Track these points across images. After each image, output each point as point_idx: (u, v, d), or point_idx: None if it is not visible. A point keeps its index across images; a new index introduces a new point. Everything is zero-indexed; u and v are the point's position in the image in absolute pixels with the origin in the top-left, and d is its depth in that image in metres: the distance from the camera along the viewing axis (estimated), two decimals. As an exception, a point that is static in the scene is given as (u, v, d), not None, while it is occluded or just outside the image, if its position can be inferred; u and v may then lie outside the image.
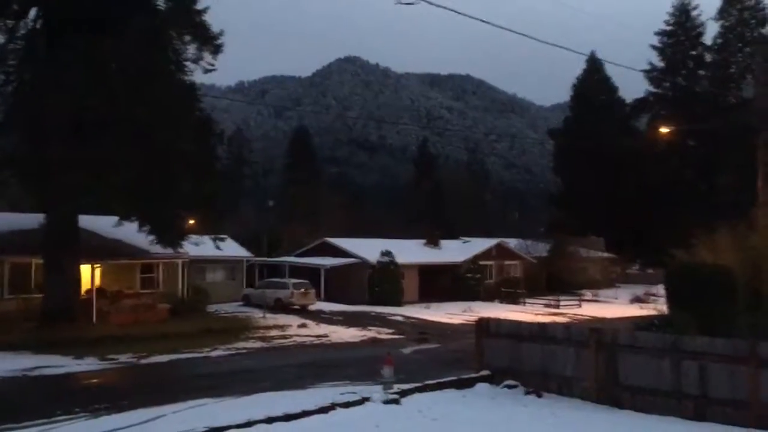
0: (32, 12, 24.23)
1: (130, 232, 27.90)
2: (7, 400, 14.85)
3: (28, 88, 23.61)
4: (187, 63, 25.30)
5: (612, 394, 13.23)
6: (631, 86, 62.67)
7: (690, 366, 12.17)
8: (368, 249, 41.57)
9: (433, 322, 32.18)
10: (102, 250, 28.17)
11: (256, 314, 32.27)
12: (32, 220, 26.92)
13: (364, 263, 41.01)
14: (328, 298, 39.43)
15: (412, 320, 32.80)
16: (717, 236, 19.64)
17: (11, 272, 27.44)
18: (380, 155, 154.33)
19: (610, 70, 67.27)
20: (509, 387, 14.47)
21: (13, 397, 15.38)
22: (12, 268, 27.45)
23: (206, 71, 25.53)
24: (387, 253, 40.45)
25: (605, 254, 56.36)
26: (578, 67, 69.02)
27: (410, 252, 43.68)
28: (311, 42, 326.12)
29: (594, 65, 65.18)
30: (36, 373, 17.97)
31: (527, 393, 14.09)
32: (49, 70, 21.92)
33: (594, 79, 66.86)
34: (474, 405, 13.18)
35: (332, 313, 34.91)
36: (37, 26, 24.33)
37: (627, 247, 56.74)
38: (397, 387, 13.57)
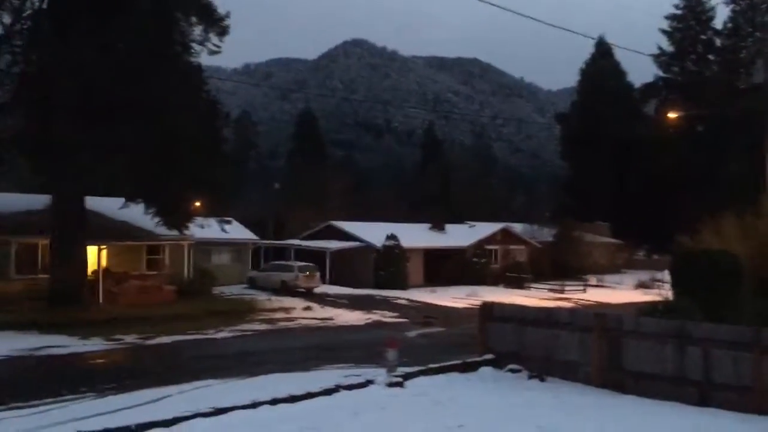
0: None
1: (137, 214, 27.97)
2: (15, 380, 14.99)
3: (35, 69, 23.58)
4: (194, 45, 25.27)
5: (615, 379, 13.25)
6: (640, 71, 62.22)
7: (694, 352, 12.17)
8: (374, 232, 41.60)
9: (437, 305, 32.25)
10: (108, 231, 28.25)
11: (262, 297, 32.41)
12: (39, 200, 27.00)
13: (369, 247, 41.06)
14: (333, 282, 39.55)
15: (417, 304, 32.87)
16: (724, 223, 19.56)
17: (18, 253, 27.56)
18: (386, 139, 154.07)
19: (619, 54, 66.70)
20: (513, 371, 14.50)
21: (20, 376, 15.50)
22: (19, 249, 27.58)
23: (212, 53, 25.49)
24: (392, 237, 40.49)
25: (611, 240, 56.27)
26: (586, 51, 68.24)
27: (415, 236, 43.70)
28: (317, 24, 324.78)
29: (602, 49, 64.62)
30: (43, 352, 18.10)
31: (531, 377, 14.12)
32: (55, 51, 21.86)
33: (602, 64, 66.29)
34: (477, 388, 13.22)
35: (337, 296, 35.02)
36: (44, 6, 24.24)
37: (633, 232, 56.59)
38: (401, 370, 13.62)
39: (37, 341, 19.42)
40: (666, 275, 27.37)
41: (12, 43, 23.73)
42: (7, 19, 23.45)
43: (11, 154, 24.90)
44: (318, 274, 37.12)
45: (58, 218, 25.13)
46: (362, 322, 26.07)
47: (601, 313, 14.69)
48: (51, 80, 21.84)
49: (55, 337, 20.00)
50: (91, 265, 27.45)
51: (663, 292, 24.98)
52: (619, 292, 41.01)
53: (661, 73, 62.72)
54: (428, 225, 48.43)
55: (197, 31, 25.10)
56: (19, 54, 23.97)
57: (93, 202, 27.14)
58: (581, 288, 41.23)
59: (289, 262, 38.71)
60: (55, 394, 12.89)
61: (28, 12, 24.03)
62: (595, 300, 36.07)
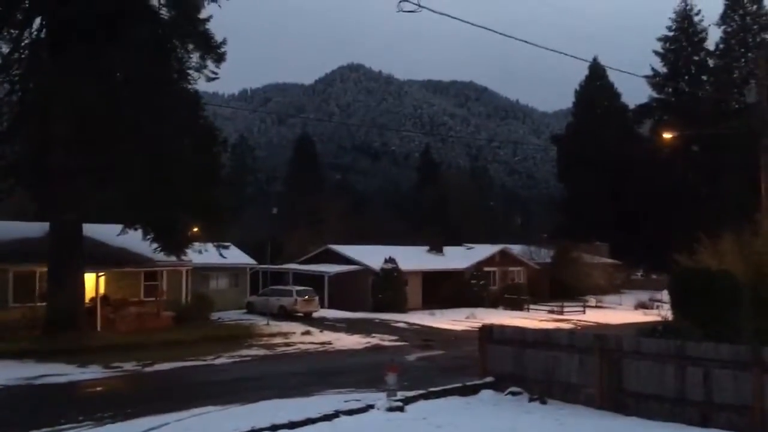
0: (36, 21, 24.38)
1: (135, 240, 27.94)
2: (12, 409, 14.87)
3: (33, 97, 23.72)
4: (191, 71, 25.45)
5: (616, 401, 13.19)
6: (634, 92, 62.87)
7: (694, 372, 12.14)
8: (372, 256, 41.56)
9: (436, 328, 32.14)
10: (106, 258, 28.21)
11: (260, 322, 32.27)
12: (36, 228, 26.99)
13: (367, 270, 41.00)
14: (332, 305, 39.43)
15: (416, 327, 32.76)
16: (721, 241, 19.59)
17: (16, 281, 27.44)
18: (383, 162, 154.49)
19: (613, 76, 67.39)
20: (513, 394, 14.43)
21: (18, 405, 15.38)
22: (16, 277, 27.46)
23: (209, 79, 25.67)
24: (390, 260, 40.45)
25: (609, 260, 56.26)
26: (581, 73, 69.47)
27: (414, 258, 43.66)
28: (314, 50, 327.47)
29: (596, 71, 65.23)
30: (40, 381, 17.98)
31: (531, 400, 14.05)
32: (53, 80, 22.01)
33: (597, 85, 66.92)
34: (478, 412, 13.15)
35: (336, 320, 34.90)
36: (42, 35, 24.46)
37: (631, 252, 56.65)
38: (401, 394, 13.55)
39: (35, 370, 19.30)
40: (665, 295, 27.39)
41: (10, 72, 23.92)
42: (5, 49, 23.68)
43: (9, 182, 24.91)
44: (317, 298, 37.03)
45: (55, 245, 25.09)
46: (361, 346, 25.96)
47: (600, 334, 14.67)
48: (48, 108, 21.97)
49: (53, 366, 19.87)
50: (90, 291, 27.36)
51: (662, 312, 24.95)
52: (619, 312, 40.94)
53: (655, 94, 63.38)
54: (426, 247, 48.41)
55: (194, 58, 25.33)
56: (17, 83, 24.13)
57: (91, 229, 27.12)
58: (580, 309, 41.14)
59: (287, 287, 38.63)
60: (53, 423, 12.79)
61: (26, 41, 24.26)
62: (594, 321, 35.98)
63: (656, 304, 41.40)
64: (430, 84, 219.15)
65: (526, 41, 18.71)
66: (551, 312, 40.34)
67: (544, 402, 13.89)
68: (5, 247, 27.51)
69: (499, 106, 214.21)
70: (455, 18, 16.90)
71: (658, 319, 22.48)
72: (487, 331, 16.07)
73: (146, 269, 31.13)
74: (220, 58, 25.37)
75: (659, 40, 62.44)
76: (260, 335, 28.09)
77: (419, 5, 15.00)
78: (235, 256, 39.73)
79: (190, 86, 25.81)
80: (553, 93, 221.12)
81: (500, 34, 20.42)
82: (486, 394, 14.57)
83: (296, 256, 48.39)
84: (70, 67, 21.86)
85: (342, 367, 20.67)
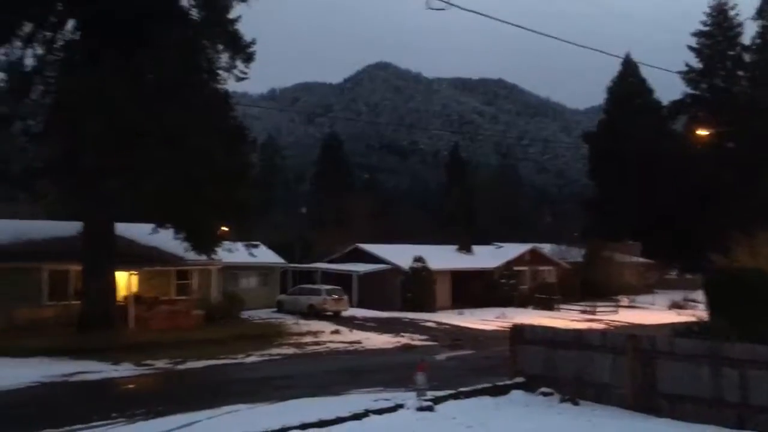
0: (70, 23, 24.78)
1: (166, 239, 28.27)
2: (47, 405, 15.13)
3: (66, 99, 24.10)
4: (220, 72, 25.66)
5: (650, 402, 12.95)
6: (668, 88, 61.68)
7: (730, 373, 11.86)
8: (400, 255, 41.51)
9: (466, 328, 31.97)
10: (138, 257, 28.58)
11: (290, 320, 32.44)
12: (70, 227, 27.44)
13: (396, 269, 40.96)
14: (361, 305, 39.47)
15: (445, 326, 32.63)
16: (757, 240, 19.19)
17: (50, 279, 27.98)
18: (412, 161, 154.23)
19: (646, 72, 66.40)
20: (544, 394, 14.26)
21: (52, 402, 15.65)
22: (51, 275, 27.99)
23: (239, 79, 25.85)
24: (419, 259, 40.36)
25: (642, 259, 55.45)
26: (612, 69, 68.00)
27: (443, 258, 43.50)
28: (342, 49, 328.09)
29: (629, 67, 64.32)
30: (74, 378, 18.27)
31: (563, 400, 13.87)
32: (85, 81, 22.34)
33: (629, 82, 65.94)
34: (509, 412, 13.02)
35: (365, 319, 34.93)
36: (75, 38, 24.85)
37: (665, 252, 55.72)
38: (430, 394, 13.47)
39: (69, 367, 19.61)
40: (700, 295, 26.88)
41: (44, 74, 24.34)
42: (40, 51, 24.08)
43: (43, 182, 25.36)
44: (345, 297, 37.10)
45: (88, 244, 25.48)
46: (390, 345, 25.92)
47: (634, 334, 14.41)
48: (80, 110, 22.30)
49: (86, 363, 20.18)
50: (122, 290, 27.76)
51: (697, 313, 24.54)
52: (652, 312, 40.31)
53: (689, 90, 62.21)
54: (455, 246, 48.19)
55: (224, 58, 25.52)
56: (52, 84, 24.55)
57: (123, 228, 27.49)
58: (613, 309, 40.60)
59: (316, 286, 38.77)
60: (86, 420, 12.96)
61: (60, 44, 24.66)
62: (627, 321, 35.46)
63: (691, 304, 40.71)
64: (458, 82, 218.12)
65: (556, 37, 18.52)
66: (583, 312, 39.88)
67: (575, 403, 13.69)
68: (40, 246, 28.04)
69: (529, 104, 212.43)
70: (484, 15, 16.78)
71: (693, 319, 22.09)
72: (517, 330, 15.91)
73: (177, 268, 31.49)
74: (249, 58, 25.53)
75: (694, 35, 61.31)
76: (290, 334, 28.21)
77: (448, 2, 14.94)
78: (264, 255, 40.02)
79: (219, 86, 26.04)
80: (584, 90, 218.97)
81: (530, 30, 20.21)
82: (517, 394, 14.42)
83: (325, 255, 48.54)
84: (102, 69, 22.16)
85: (371, 366, 20.66)
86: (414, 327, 32.08)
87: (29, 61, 23.83)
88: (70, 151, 23.78)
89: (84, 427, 12.45)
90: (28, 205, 31.93)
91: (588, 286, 47.07)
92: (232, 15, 25.44)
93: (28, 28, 23.66)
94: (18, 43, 23.53)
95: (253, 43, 25.42)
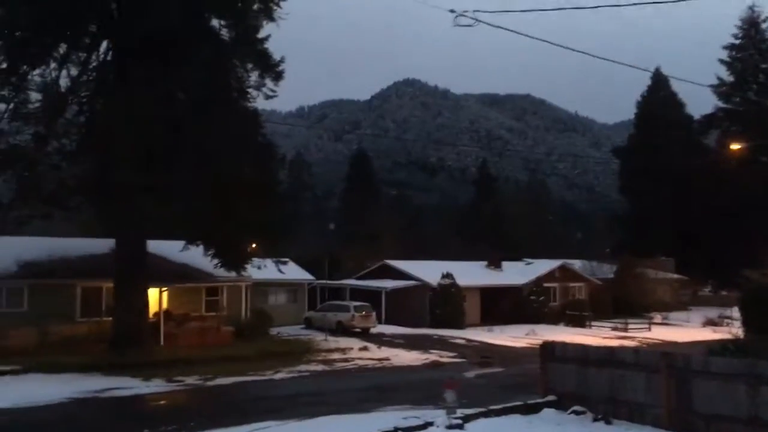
0: (103, 44, 25.30)
1: (196, 256, 28.51)
2: (78, 421, 15.28)
3: (99, 118, 24.56)
4: (250, 90, 25.90)
5: (685, 422, 12.66)
6: (699, 102, 61.05)
7: (769, 392, 11.56)
8: (429, 271, 41.36)
9: (495, 345, 31.67)
10: (169, 273, 28.84)
11: (318, 337, 32.43)
12: (103, 245, 27.83)
13: (424, 285, 40.81)
14: (389, 321, 39.35)
15: (475, 343, 32.36)
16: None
17: (83, 296, 28.37)
18: (440, 177, 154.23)
19: (676, 85, 65.68)
20: (576, 413, 14.02)
21: (84, 418, 15.79)
22: (84, 292, 28.39)
23: (268, 97, 26.05)
24: (448, 276, 40.17)
25: (675, 276, 54.54)
26: (642, 83, 67.72)
27: (471, 274, 43.25)
28: (370, 66, 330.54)
29: (659, 81, 63.76)
30: (106, 394, 18.43)
31: (595, 419, 13.62)
32: (118, 100, 22.76)
33: (660, 96, 65.34)
34: (540, 431, 12.82)
35: (393, 336, 34.80)
36: (108, 58, 25.36)
37: (698, 268, 54.79)
38: (460, 412, 13.33)
39: (101, 383, 19.81)
40: (735, 312, 26.32)
41: (78, 93, 24.86)
42: (74, 71, 24.62)
43: (76, 200, 25.80)
44: (374, 313, 37.01)
45: (120, 261, 25.80)
46: (419, 363, 25.76)
47: (668, 352, 14.13)
48: (113, 128, 22.70)
49: (118, 379, 20.37)
50: (153, 306, 28.00)
51: (733, 330, 23.98)
52: (686, 330, 39.56)
53: (721, 104, 61.40)
54: (484, 263, 47.91)
55: (254, 77, 25.76)
56: (85, 104, 25.06)
57: (154, 245, 27.79)
58: (646, 326, 39.93)
59: (344, 302, 38.75)
60: (117, 435, 13.07)
61: (94, 64, 25.19)
62: (660, 338, 34.84)
63: (726, 321, 39.86)
64: (486, 97, 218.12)
65: (585, 52, 18.44)
66: (615, 329, 39.29)
67: (609, 422, 13.44)
68: (73, 263, 28.47)
69: (558, 119, 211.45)
70: (512, 31, 16.77)
71: (729, 336, 21.61)
72: (548, 348, 15.70)
73: (207, 285, 31.71)
74: (278, 76, 25.76)
75: (725, 48, 60.60)
76: (318, 351, 28.19)
77: (475, 19, 14.97)
78: (293, 271, 40.13)
79: (249, 104, 26.30)
80: (613, 104, 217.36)
81: (558, 45, 20.13)
82: (548, 413, 14.20)
83: (353, 271, 48.55)
84: (134, 89, 22.56)
85: (400, 384, 20.53)
86: (443, 344, 31.86)
87: (64, 82, 24.38)
88: (103, 169, 24.16)
89: (115, 443, 12.54)
90: (63, 223, 32.47)
91: (620, 303, 46.41)
92: (261, 34, 25.70)
93: (62, 49, 24.21)
94: (53, 64, 24.08)
95: (282, 61, 25.66)
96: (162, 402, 18.09)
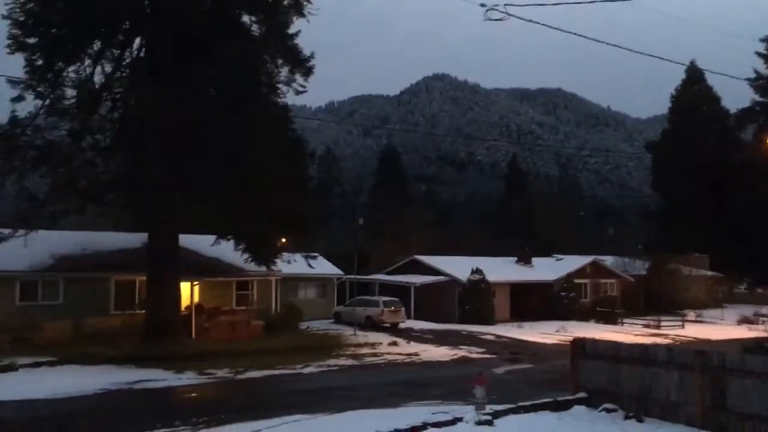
0: (136, 41, 25.63)
1: (227, 251, 28.80)
2: (112, 412, 15.54)
3: (132, 114, 24.91)
4: (280, 85, 26.06)
5: (719, 421, 12.44)
6: (735, 96, 59.75)
7: (807, 393, 11.30)
8: (458, 267, 41.24)
9: (525, 341, 31.46)
10: (200, 267, 29.19)
11: (347, 332, 32.53)
12: (136, 239, 28.26)
13: (453, 281, 40.69)
14: (418, 316, 39.32)
15: (504, 339, 32.19)
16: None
17: (117, 289, 28.86)
18: (469, 172, 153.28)
19: (712, 79, 64.45)
20: (608, 410, 13.86)
21: (118, 408, 16.07)
22: (118, 285, 28.88)
23: (298, 93, 26.19)
24: (477, 271, 40.01)
25: (710, 272, 53.60)
26: (676, 77, 66.56)
27: (501, 270, 43.02)
28: (400, 61, 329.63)
29: (694, 75, 62.59)
30: (139, 386, 18.73)
31: (627, 417, 13.46)
32: (150, 97, 23.05)
33: (695, 89, 64.22)
34: (571, 428, 12.71)
35: (422, 331, 34.77)
36: (141, 55, 25.69)
37: (734, 265, 53.76)
38: (490, 408, 13.27)
39: (135, 374, 20.13)
40: (772, 310, 25.77)
41: (112, 89, 25.24)
42: (108, 68, 25.00)
43: (111, 195, 26.22)
44: (403, 309, 37.02)
45: (153, 256, 26.17)
46: (448, 358, 25.70)
47: (702, 350, 13.90)
48: (145, 125, 23.01)
49: (151, 371, 20.67)
50: (185, 300, 28.36)
51: (769, 328, 23.54)
52: (721, 327, 38.88)
53: (758, 98, 59.99)
54: (514, 259, 47.61)
55: (283, 72, 25.92)
56: (119, 100, 25.43)
57: (186, 240, 28.14)
58: (679, 323, 39.32)
59: (374, 297, 38.82)
60: (150, 427, 13.26)
61: (127, 61, 25.54)
62: (694, 336, 34.29)
63: (762, 319, 39.16)
64: (516, 92, 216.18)
65: (617, 45, 18.15)
66: (647, 326, 38.76)
67: (640, 420, 13.27)
68: (107, 257, 28.98)
69: (589, 113, 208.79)
70: (543, 24, 16.59)
71: (765, 334, 21.20)
72: (579, 344, 15.55)
73: (238, 279, 32.01)
74: (308, 72, 25.85)
75: (762, 40, 59.18)
76: (347, 345, 28.28)
77: (506, 13, 14.82)
78: (322, 266, 40.31)
79: (279, 100, 26.45)
80: (646, 98, 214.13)
81: (590, 39, 19.86)
82: (579, 410, 14.07)
83: (382, 266, 48.60)
84: (166, 85, 22.84)
85: (429, 379, 20.51)
86: (472, 340, 31.75)
87: (98, 78, 24.80)
88: (136, 164, 24.54)
89: (148, 434, 12.74)
90: (97, 218, 33.03)
91: (652, 300, 45.81)
92: (291, 30, 25.83)
93: (97, 46, 24.62)
94: (87, 61, 24.51)
95: (311, 56, 25.75)
96: (193, 394, 18.32)
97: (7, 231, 23.13)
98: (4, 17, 22.75)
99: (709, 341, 30.57)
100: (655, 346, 17.41)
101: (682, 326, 38.71)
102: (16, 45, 22.86)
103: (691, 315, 43.85)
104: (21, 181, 23.42)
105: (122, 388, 18.31)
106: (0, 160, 22.80)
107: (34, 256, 27.02)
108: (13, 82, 22.58)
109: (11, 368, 20.30)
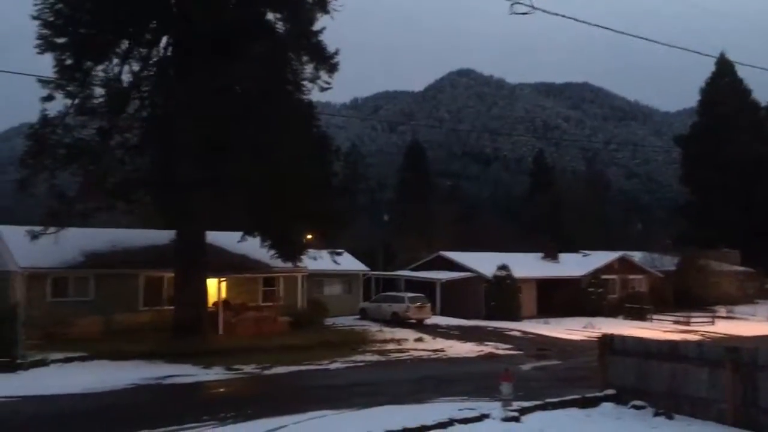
0: (163, 40, 25.87)
1: (253, 247, 28.98)
2: (142, 407, 15.76)
3: (160, 113, 25.16)
4: (305, 82, 26.09)
5: (751, 418, 12.25)
6: (766, 88, 58.60)
7: (843, 390, 11.07)
8: (483, 262, 41.05)
9: (552, 337, 31.25)
10: (227, 264, 29.42)
11: (373, 328, 32.58)
12: (164, 236, 28.57)
13: (479, 277, 40.53)
14: (444, 312, 39.23)
15: (531, 336, 32.00)
16: None
17: (146, 286, 29.21)
18: (494, 168, 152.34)
19: (742, 71, 63.28)
20: (636, 407, 13.72)
21: (148, 403, 16.30)
22: (146, 282, 29.23)
23: (323, 89, 26.22)
24: (503, 267, 39.79)
25: (741, 268, 52.70)
26: (706, 69, 65.23)
27: (527, 265, 42.73)
28: (424, 56, 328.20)
29: (724, 67, 61.52)
30: (168, 381, 18.97)
31: (656, 414, 13.30)
32: (177, 95, 23.27)
33: (724, 82, 63.14)
34: (599, 425, 12.60)
35: (448, 327, 34.70)
36: (168, 54, 25.93)
37: (765, 259, 52.82)
38: (516, 404, 13.21)
39: (164, 370, 20.38)
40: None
41: (140, 88, 25.52)
42: (135, 67, 25.27)
43: (139, 193, 26.52)
44: (429, 305, 36.95)
45: (181, 252, 26.42)
46: (474, 354, 25.63)
47: (733, 346, 13.68)
48: (173, 123, 23.23)
49: (179, 366, 20.91)
50: (212, 296, 28.61)
51: (802, 324, 23.09)
52: (752, 324, 38.25)
53: (790, 89, 58.88)
54: (540, 254, 47.23)
55: (308, 69, 25.93)
56: (146, 99, 25.69)
57: (213, 236, 28.38)
58: (709, 320, 38.73)
59: (399, 293, 38.80)
60: (179, 421, 13.42)
61: (155, 60, 25.79)
62: (725, 333, 33.74)
63: (794, 315, 38.37)
64: (542, 86, 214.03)
65: (644, 38, 17.93)
66: (676, 322, 38.24)
67: (670, 417, 13.11)
68: (136, 254, 29.33)
69: (617, 107, 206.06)
70: (569, 17, 16.43)
71: (798, 331, 20.83)
72: (607, 341, 15.40)
73: (264, 275, 32.21)
74: (333, 69, 25.87)
75: (794, 31, 58.09)
76: (373, 341, 28.32)
77: (532, 7, 14.69)
78: (348, 262, 40.34)
79: (304, 97, 26.50)
80: (675, 91, 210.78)
81: (616, 31, 19.63)
82: (607, 407, 13.94)
83: (408, 262, 48.52)
84: (193, 83, 23.02)
85: (455, 375, 20.47)
86: (498, 336, 31.61)
87: (126, 77, 25.09)
88: (164, 162, 24.79)
89: (178, 429, 12.90)
90: (126, 215, 33.45)
91: (682, 296, 45.17)
92: (316, 27, 25.85)
93: (125, 45, 24.90)
94: (116, 60, 24.81)
95: (336, 53, 25.75)
96: (221, 389, 18.50)
97: (38, 228, 23.48)
98: (34, 18, 23.12)
99: (740, 338, 30.08)
100: (685, 343, 17.20)
101: (713, 322, 38.13)
102: (46, 45, 23.21)
103: (721, 311, 43.21)
104: (51, 179, 23.74)
105: (152, 384, 18.55)
106: (31, 159, 23.17)
107: (65, 253, 27.42)
108: (43, 81, 22.95)
109: (43, 363, 20.65)
